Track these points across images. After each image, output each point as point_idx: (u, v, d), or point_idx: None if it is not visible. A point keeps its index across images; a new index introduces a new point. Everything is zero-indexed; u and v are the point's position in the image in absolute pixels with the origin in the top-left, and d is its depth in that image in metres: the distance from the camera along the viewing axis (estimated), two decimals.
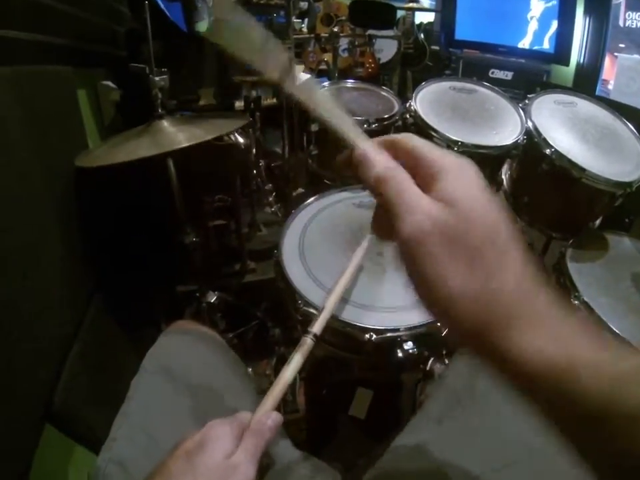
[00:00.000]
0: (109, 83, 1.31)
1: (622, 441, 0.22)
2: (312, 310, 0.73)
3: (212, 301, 1.18)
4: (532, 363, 0.24)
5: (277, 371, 1.14)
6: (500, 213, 0.27)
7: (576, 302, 0.88)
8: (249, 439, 0.35)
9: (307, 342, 0.43)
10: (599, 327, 0.28)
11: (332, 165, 1.21)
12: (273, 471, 0.56)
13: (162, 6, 1.35)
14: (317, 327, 0.43)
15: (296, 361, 0.41)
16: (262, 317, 1.27)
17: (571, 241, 1.01)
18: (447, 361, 1.01)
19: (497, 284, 0.25)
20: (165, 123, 0.95)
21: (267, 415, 0.37)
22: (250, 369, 1.12)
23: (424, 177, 0.28)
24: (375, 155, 0.30)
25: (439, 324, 0.68)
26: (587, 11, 2.12)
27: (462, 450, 0.52)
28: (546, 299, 0.26)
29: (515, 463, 0.49)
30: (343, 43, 1.74)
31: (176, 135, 0.91)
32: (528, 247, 0.28)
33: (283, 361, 1.17)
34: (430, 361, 1.03)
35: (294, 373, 0.41)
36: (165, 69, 0.98)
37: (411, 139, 0.30)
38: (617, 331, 0.79)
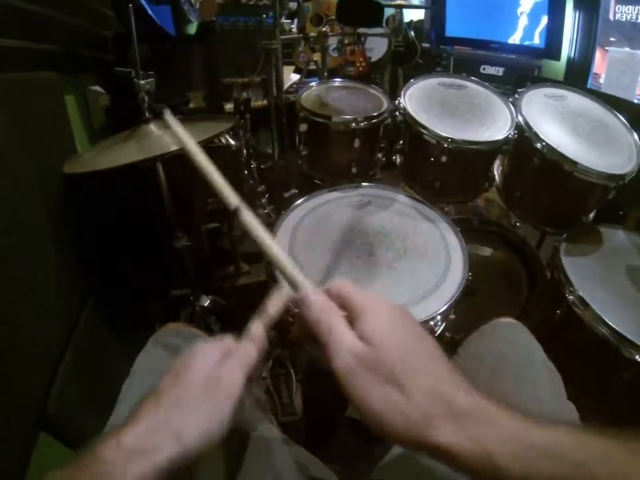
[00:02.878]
0: (98, 88, 1.30)
1: None
2: None
3: (206, 304, 1.17)
4: (455, 452, 0.30)
5: (272, 373, 1.13)
6: (411, 339, 0.35)
7: (571, 297, 0.87)
8: (236, 355, 0.37)
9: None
10: (515, 409, 0.32)
11: (321, 165, 1.21)
12: (269, 467, 0.56)
13: (149, 10, 1.35)
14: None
15: (281, 297, 0.44)
16: None
17: (564, 235, 1.01)
18: None
19: (412, 397, 0.31)
20: (152, 127, 0.94)
21: (253, 335, 0.39)
22: None
23: (351, 315, 0.36)
24: (312, 298, 0.38)
25: None
26: (576, 6, 2.12)
27: None
28: (463, 398, 0.31)
29: None
30: (333, 42, 1.74)
31: (163, 139, 0.91)
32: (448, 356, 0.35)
33: (278, 363, 1.17)
34: None
35: (278, 310, 0.43)
36: (151, 72, 0.97)
37: (340, 287, 0.38)
38: (612, 325, 0.79)
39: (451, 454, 0.30)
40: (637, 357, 0.76)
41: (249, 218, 0.43)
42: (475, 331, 0.69)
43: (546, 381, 0.58)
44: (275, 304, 0.42)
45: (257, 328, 0.40)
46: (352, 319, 0.36)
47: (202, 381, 0.35)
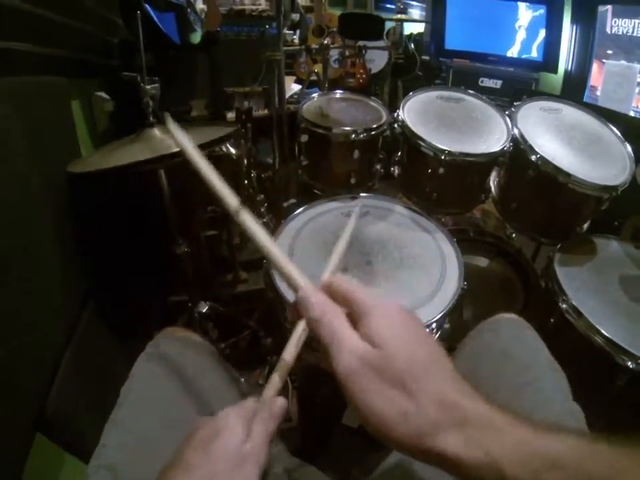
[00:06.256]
0: (103, 94, 1.32)
1: None
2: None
3: (204, 311, 1.18)
4: (463, 461, 0.29)
5: (268, 379, 1.14)
6: (419, 343, 0.34)
7: (564, 306, 0.89)
8: (258, 426, 0.36)
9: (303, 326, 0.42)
10: (521, 416, 0.31)
11: (321, 176, 1.23)
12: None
13: (154, 18, 1.37)
14: None
15: (294, 344, 0.41)
16: (254, 326, 1.27)
17: (558, 246, 1.02)
18: None
19: (420, 403, 0.31)
20: (156, 131, 0.96)
21: (273, 401, 0.38)
22: (243, 379, 1.12)
23: (354, 315, 0.35)
24: (312, 298, 0.37)
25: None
26: (574, 19, 2.16)
27: None
28: (469, 405, 0.31)
29: None
30: (334, 53, 1.77)
31: (166, 141, 0.92)
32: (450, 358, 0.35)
33: (274, 369, 1.17)
34: None
35: (294, 356, 0.40)
36: (157, 78, 0.99)
37: (343, 283, 0.38)
38: (606, 335, 0.80)
39: (459, 463, 0.29)
40: (630, 363, 0.77)
41: (249, 220, 0.43)
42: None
43: (551, 381, 0.58)
44: (291, 351, 0.41)
45: (276, 382, 0.39)
46: (356, 318, 0.35)
47: (232, 456, 0.34)
